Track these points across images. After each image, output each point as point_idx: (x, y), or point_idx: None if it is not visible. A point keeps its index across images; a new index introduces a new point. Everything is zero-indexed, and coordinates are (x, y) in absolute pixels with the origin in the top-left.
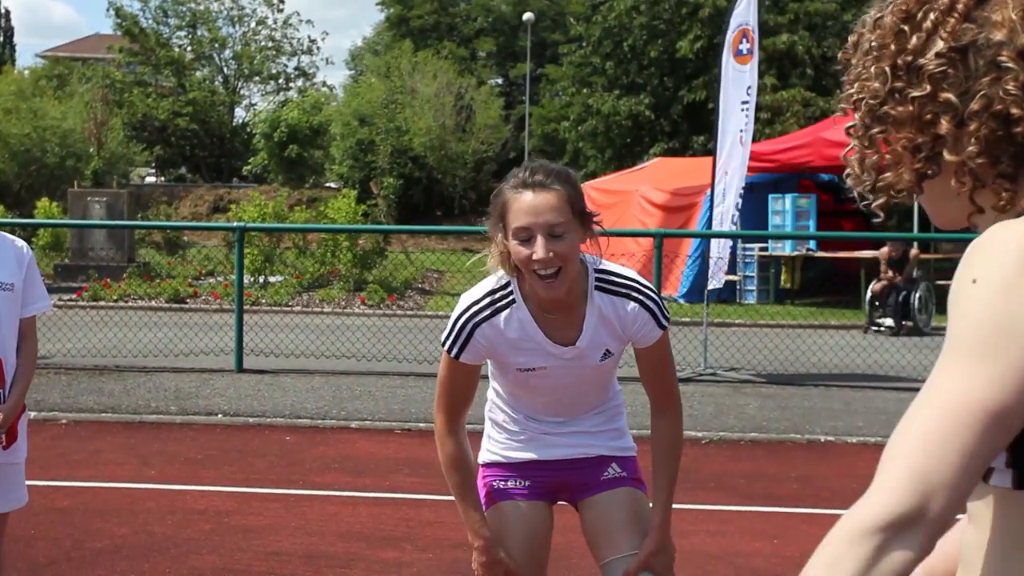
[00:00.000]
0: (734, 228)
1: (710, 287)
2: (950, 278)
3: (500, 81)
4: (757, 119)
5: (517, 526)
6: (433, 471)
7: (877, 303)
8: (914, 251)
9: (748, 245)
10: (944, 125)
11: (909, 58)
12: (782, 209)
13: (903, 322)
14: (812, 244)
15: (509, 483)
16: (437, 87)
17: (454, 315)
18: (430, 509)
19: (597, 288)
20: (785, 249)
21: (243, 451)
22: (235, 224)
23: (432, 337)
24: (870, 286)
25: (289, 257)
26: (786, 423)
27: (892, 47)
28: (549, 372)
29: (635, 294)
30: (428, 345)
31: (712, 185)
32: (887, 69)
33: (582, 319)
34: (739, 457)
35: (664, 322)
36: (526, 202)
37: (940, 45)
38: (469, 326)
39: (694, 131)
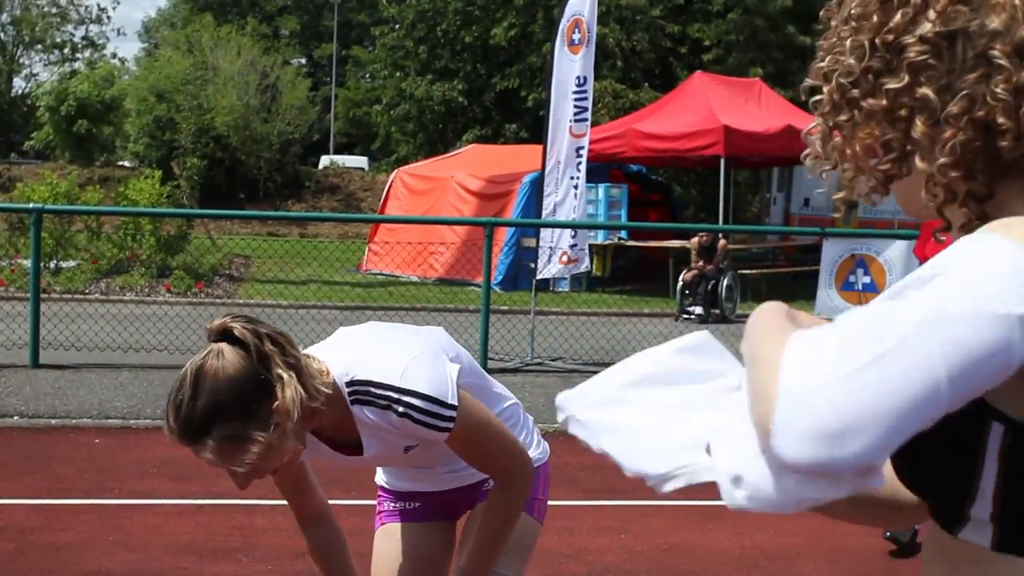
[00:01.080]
0: (575, 217)
1: (540, 276)
2: (746, 268)
3: (304, 61)
4: None
5: (404, 549)
6: None
7: (687, 291)
8: (722, 241)
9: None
10: (919, 126)
11: (891, 37)
12: (595, 199)
13: (711, 310)
14: (623, 233)
15: (398, 503)
16: (241, 65)
17: None
18: (265, 516)
19: (355, 403)
20: (598, 238)
21: (46, 457)
22: (31, 205)
23: None
24: (681, 275)
25: (81, 240)
26: None
27: (875, 18)
28: (367, 459)
29: (396, 407)
30: None
31: (543, 174)
32: (865, 44)
33: (356, 433)
34: (577, 450)
35: (445, 424)
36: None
37: (927, 27)
38: None
39: (507, 119)
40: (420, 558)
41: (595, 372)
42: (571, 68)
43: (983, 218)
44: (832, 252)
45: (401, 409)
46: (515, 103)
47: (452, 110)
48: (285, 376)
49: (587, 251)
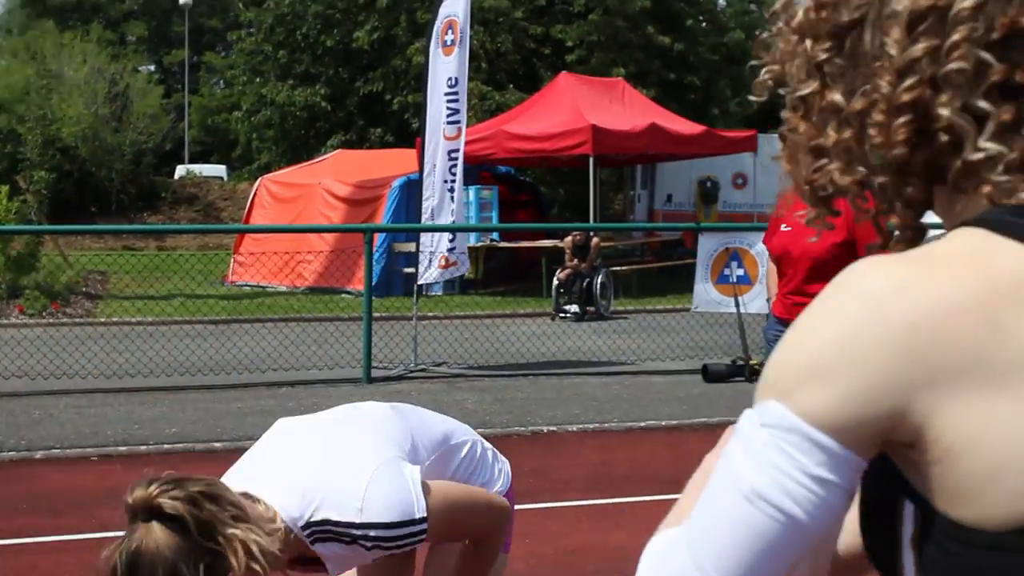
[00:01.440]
0: (453, 220)
1: (422, 281)
2: (616, 265)
3: (154, 68)
4: None
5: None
6: None
7: (563, 290)
8: (595, 239)
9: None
10: (831, 134)
11: (797, 36)
12: (467, 201)
13: (587, 308)
14: (495, 235)
15: None
16: (87, 72)
17: None
18: None
19: (316, 542)
20: (470, 240)
21: None
22: None
23: (112, 347)
24: (556, 274)
25: None
26: (508, 416)
27: (793, 18)
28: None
29: (364, 543)
30: (110, 355)
31: (421, 177)
32: (783, 46)
33: (322, 567)
34: None
35: (418, 539)
36: None
37: (843, 16)
38: None
39: (371, 123)
40: None
41: (480, 376)
42: (444, 70)
43: (918, 236)
44: (707, 247)
45: (370, 544)
46: (379, 107)
47: (315, 115)
48: (237, 534)
49: (466, 254)
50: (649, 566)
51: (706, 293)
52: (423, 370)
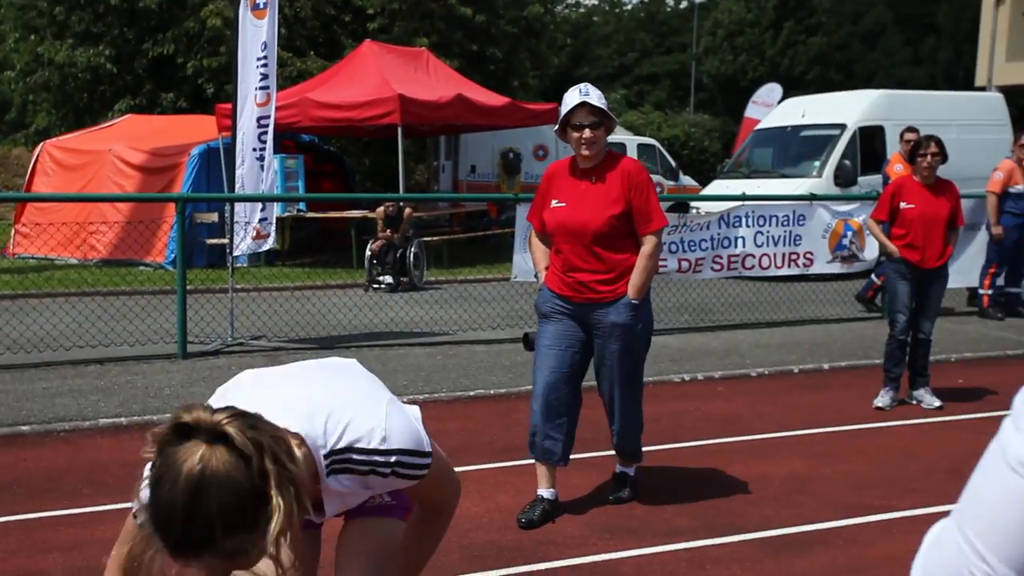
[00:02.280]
0: (264, 190)
1: (237, 252)
2: (425, 236)
3: None
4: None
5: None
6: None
7: (376, 261)
8: (408, 210)
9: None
10: None
11: None
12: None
13: (400, 278)
14: (302, 205)
15: None
16: None
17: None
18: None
19: (332, 473)
20: (276, 211)
21: None
22: None
23: None
24: (368, 245)
25: None
26: None
27: None
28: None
29: (382, 469)
30: None
31: (233, 145)
32: None
33: (321, 504)
34: None
35: (423, 471)
36: None
37: None
38: None
39: (162, 87)
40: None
41: (301, 348)
42: (256, 34)
43: None
44: (524, 218)
45: (388, 471)
46: (171, 71)
47: (99, 78)
48: (282, 504)
49: (275, 225)
50: (925, 550)
51: (524, 263)
52: (240, 344)
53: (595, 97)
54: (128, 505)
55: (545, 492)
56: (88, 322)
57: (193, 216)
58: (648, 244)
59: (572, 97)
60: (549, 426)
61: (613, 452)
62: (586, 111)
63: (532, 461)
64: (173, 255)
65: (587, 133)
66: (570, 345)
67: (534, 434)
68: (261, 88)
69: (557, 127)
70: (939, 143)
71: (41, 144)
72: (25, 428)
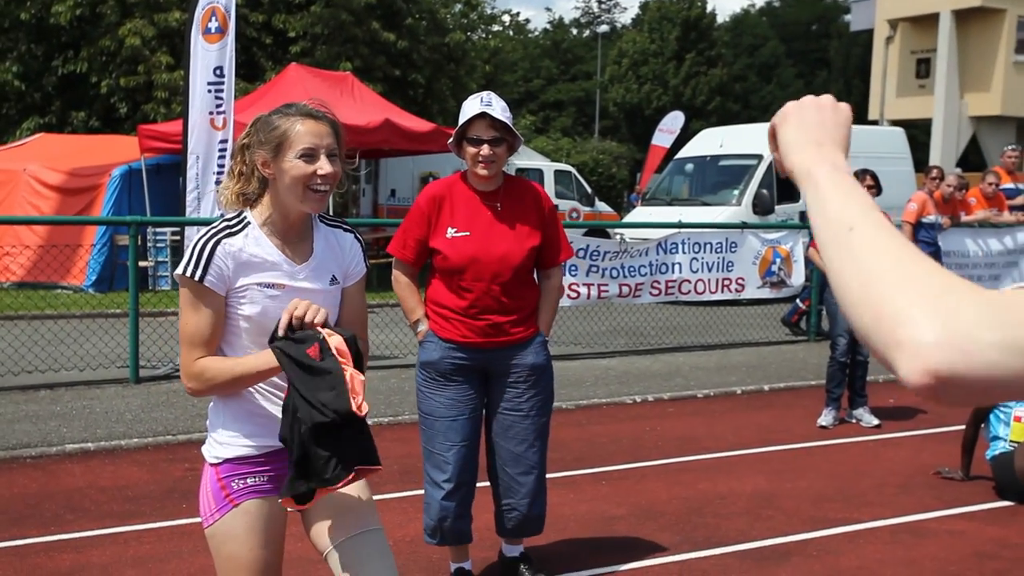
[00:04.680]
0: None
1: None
2: None
3: None
4: (159, 99)
5: (269, 528)
6: None
7: None
8: None
9: (160, 230)
10: None
11: None
12: None
13: None
14: None
15: (249, 480)
16: None
17: (191, 245)
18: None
19: (320, 220)
20: None
21: None
22: None
23: None
24: None
25: None
26: None
27: None
28: (286, 293)
29: (347, 227)
30: None
31: (184, 168)
32: None
33: (311, 243)
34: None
35: (367, 261)
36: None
37: None
38: (209, 245)
39: (72, 106)
40: (280, 535)
41: None
42: (208, 58)
43: None
44: None
45: (351, 231)
46: (83, 89)
47: (5, 95)
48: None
49: None
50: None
51: None
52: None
53: (498, 109)
54: (109, 531)
55: (466, 564)
56: (24, 347)
57: (114, 238)
58: (557, 276)
59: (471, 106)
60: (461, 508)
61: (505, 529)
62: (486, 124)
63: None
64: (95, 277)
65: (485, 150)
66: (473, 410)
67: (442, 519)
68: (219, 112)
69: (452, 139)
70: (874, 176)
71: None
72: None
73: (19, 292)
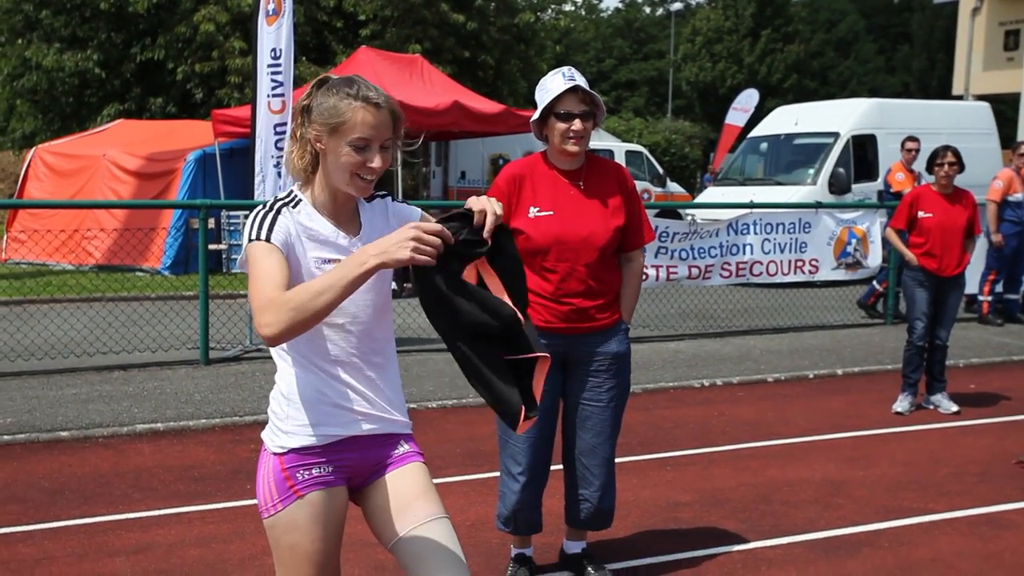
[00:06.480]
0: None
1: None
2: None
3: None
4: (232, 84)
5: (331, 519)
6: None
7: None
8: None
9: (233, 213)
10: None
11: None
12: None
13: (404, 284)
14: None
15: (314, 470)
16: None
17: (251, 219)
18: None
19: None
20: None
21: None
22: None
23: None
24: None
25: None
26: None
27: None
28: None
29: (380, 194)
30: None
31: (252, 151)
32: None
33: (359, 218)
34: None
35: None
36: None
37: None
38: (272, 213)
39: (151, 92)
40: (341, 527)
41: None
42: (268, 41)
43: None
44: None
45: (386, 195)
46: (160, 76)
47: (87, 82)
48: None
49: None
50: None
51: None
52: (259, 349)
53: (584, 83)
54: (174, 510)
55: (527, 550)
56: (99, 328)
57: (188, 222)
58: (639, 260)
59: (556, 82)
60: (535, 499)
61: (577, 520)
62: (578, 98)
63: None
64: (171, 260)
65: (577, 124)
66: (551, 400)
67: (517, 510)
68: (275, 95)
69: (536, 117)
70: (956, 152)
71: (33, 149)
72: (64, 434)
73: (98, 275)
